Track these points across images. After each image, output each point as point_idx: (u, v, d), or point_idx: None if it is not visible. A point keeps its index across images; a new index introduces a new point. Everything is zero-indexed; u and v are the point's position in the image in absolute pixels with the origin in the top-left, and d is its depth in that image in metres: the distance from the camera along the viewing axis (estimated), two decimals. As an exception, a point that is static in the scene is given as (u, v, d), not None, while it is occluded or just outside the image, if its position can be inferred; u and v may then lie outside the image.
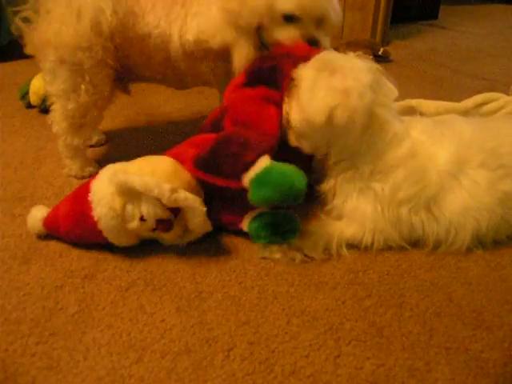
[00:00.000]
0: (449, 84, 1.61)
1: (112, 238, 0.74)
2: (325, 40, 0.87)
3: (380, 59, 1.82)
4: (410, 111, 1.09)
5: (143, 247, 0.78)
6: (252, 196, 0.70)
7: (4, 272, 0.73)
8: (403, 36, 2.29)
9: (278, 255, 0.75)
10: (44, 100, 1.26)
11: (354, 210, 0.77)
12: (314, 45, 0.85)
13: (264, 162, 0.71)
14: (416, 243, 0.78)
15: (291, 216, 0.76)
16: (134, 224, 0.71)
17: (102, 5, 0.84)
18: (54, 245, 0.79)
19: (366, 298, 0.69)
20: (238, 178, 0.71)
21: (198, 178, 0.77)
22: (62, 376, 0.57)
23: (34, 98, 1.28)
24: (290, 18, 0.84)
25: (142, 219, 0.71)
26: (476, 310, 0.67)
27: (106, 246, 0.76)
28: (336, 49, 0.89)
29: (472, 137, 0.76)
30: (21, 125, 1.24)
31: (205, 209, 0.72)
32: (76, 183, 0.96)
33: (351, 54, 0.79)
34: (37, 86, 1.27)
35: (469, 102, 1.17)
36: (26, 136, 1.17)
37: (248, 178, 0.71)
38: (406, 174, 0.73)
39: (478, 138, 0.76)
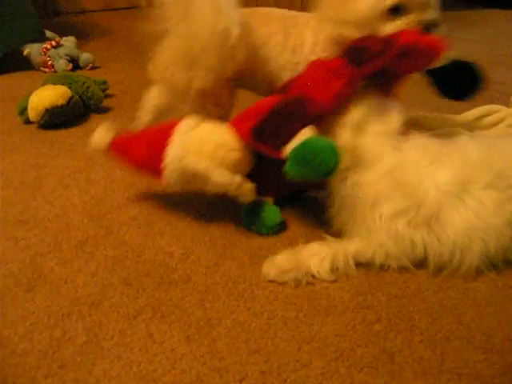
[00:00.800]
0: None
1: (168, 187, 0.84)
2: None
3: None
4: (414, 125, 1.09)
5: (149, 273, 0.77)
6: (287, 168, 0.73)
7: (9, 300, 0.72)
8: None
9: (285, 278, 0.75)
10: (43, 116, 1.25)
11: (356, 227, 0.77)
12: (430, 30, 0.82)
13: (304, 134, 0.74)
14: (422, 264, 0.78)
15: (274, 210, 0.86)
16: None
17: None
18: (59, 270, 0.78)
19: (375, 322, 0.68)
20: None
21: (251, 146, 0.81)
22: (72, 411, 0.57)
23: (32, 114, 1.27)
24: (396, 10, 0.81)
25: None
26: (486, 332, 0.67)
27: (111, 272, 0.76)
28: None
29: (478, 157, 0.77)
30: (20, 142, 1.22)
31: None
32: (78, 203, 0.95)
33: None
34: (35, 101, 1.26)
35: (469, 115, 1.17)
36: (26, 154, 1.16)
37: (286, 149, 0.74)
38: (390, 187, 0.74)
39: (484, 159, 0.77)
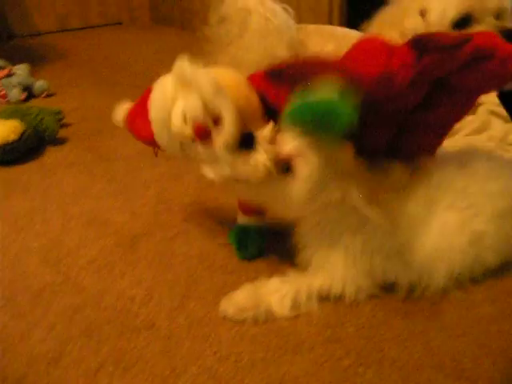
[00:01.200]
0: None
1: (158, 137, 0.70)
2: None
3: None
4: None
5: (110, 321, 0.74)
6: (289, 107, 0.61)
7: (-41, 365, 0.67)
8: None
9: (243, 316, 0.73)
10: (4, 149, 1.20)
11: (324, 261, 0.76)
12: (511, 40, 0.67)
13: (323, 84, 0.59)
14: (389, 288, 0.77)
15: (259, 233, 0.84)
16: (178, 122, 0.66)
17: None
18: (14, 326, 0.74)
19: (344, 357, 0.67)
20: None
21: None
22: None
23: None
24: (464, 22, 0.74)
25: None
26: (455, 358, 0.66)
27: (70, 323, 0.72)
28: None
29: (440, 177, 0.76)
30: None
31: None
32: (34, 247, 0.91)
33: None
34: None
35: None
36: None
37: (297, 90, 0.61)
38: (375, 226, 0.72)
39: (446, 178, 0.76)
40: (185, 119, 0.66)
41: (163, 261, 0.87)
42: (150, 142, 0.74)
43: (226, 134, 0.65)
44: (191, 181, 1.13)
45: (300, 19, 1.17)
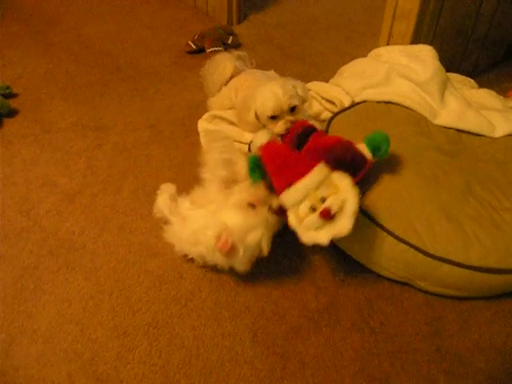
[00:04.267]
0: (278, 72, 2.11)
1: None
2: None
3: (230, 47, 2.32)
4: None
5: (60, 246, 1.38)
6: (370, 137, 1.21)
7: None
8: (259, 7, 2.72)
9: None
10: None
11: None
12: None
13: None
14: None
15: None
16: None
17: None
18: (5, 249, 1.36)
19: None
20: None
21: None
22: None
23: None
24: (273, 117, 1.41)
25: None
26: None
27: (41, 250, 1.36)
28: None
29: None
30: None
31: None
32: None
33: None
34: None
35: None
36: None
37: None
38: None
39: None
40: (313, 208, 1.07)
41: (91, 208, 1.49)
42: None
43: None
44: (109, 149, 1.71)
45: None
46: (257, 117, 1.45)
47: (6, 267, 1.31)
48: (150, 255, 1.34)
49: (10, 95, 1.94)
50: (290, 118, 1.41)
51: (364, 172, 1.19)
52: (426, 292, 1.25)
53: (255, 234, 1.12)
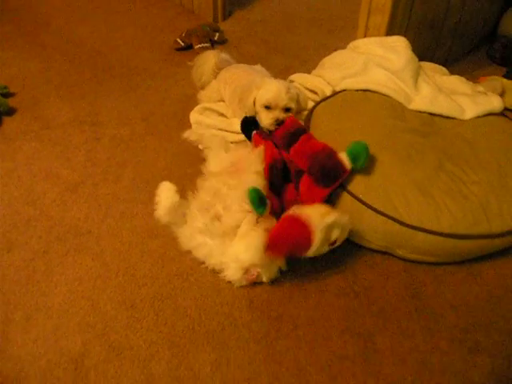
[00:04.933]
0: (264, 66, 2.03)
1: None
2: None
3: (217, 44, 2.43)
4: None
5: (67, 232, 1.48)
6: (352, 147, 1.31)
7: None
8: (243, 4, 2.83)
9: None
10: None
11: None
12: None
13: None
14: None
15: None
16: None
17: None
18: (15, 234, 1.46)
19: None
20: None
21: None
22: None
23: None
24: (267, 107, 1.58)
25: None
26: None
27: (49, 236, 1.46)
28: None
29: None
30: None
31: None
32: None
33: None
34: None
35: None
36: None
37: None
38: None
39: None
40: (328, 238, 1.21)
41: (94, 197, 1.59)
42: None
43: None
44: (107, 142, 1.81)
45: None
46: (254, 103, 1.60)
47: (18, 252, 1.40)
48: (151, 236, 1.45)
49: (8, 94, 2.03)
50: (281, 115, 1.54)
51: (341, 180, 1.32)
52: (404, 259, 1.38)
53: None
